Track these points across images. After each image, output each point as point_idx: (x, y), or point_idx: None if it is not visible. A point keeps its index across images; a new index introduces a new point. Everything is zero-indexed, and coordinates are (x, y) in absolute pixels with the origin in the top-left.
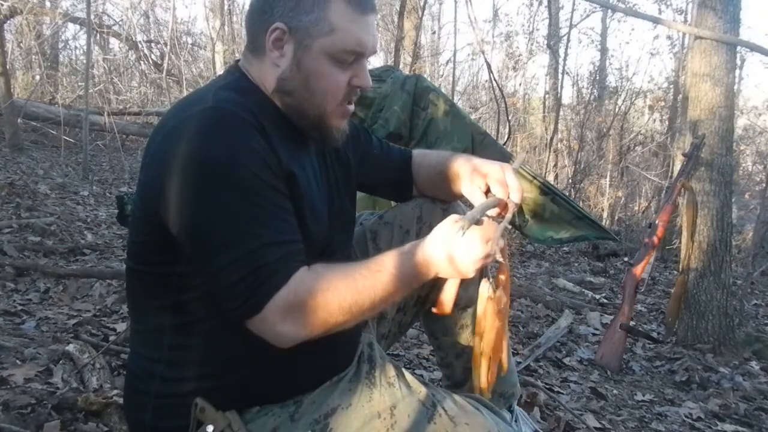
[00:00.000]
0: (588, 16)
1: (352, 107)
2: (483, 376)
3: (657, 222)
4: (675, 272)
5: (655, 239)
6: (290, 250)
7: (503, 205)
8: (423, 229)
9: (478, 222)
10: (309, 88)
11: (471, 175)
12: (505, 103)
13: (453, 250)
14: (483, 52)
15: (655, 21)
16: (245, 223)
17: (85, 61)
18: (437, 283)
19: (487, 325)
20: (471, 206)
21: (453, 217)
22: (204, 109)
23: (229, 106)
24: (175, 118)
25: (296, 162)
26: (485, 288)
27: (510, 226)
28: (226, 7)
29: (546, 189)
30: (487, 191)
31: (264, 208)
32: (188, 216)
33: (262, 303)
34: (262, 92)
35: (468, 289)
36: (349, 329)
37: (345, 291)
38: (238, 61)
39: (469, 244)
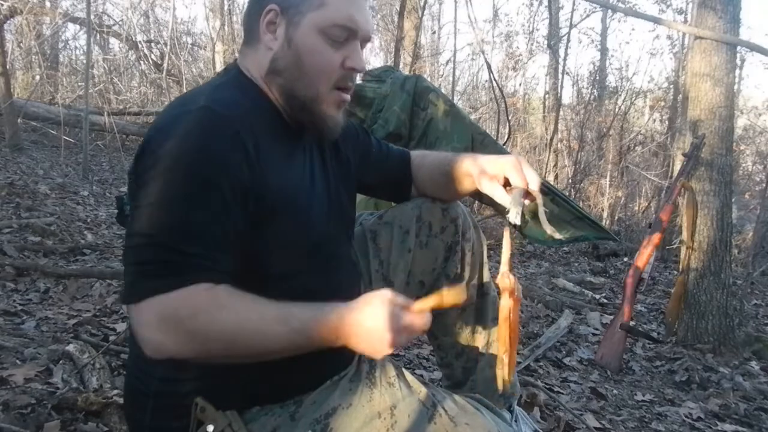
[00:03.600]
0: (588, 16)
1: (347, 97)
2: (506, 368)
3: (658, 221)
4: (675, 272)
5: (656, 239)
6: (196, 264)
7: (527, 194)
8: (422, 228)
9: (521, 210)
10: (300, 65)
11: (485, 173)
12: (505, 103)
13: (363, 332)
14: (483, 52)
15: (655, 21)
16: (177, 220)
17: (85, 61)
18: (436, 283)
19: (505, 318)
20: (470, 206)
21: (381, 295)
22: (191, 110)
23: (220, 108)
24: (165, 116)
25: (287, 163)
26: (506, 281)
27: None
28: (226, 7)
29: (546, 189)
30: (505, 185)
31: (202, 217)
32: (138, 199)
33: (141, 296)
34: (259, 88)
35: (468, 288)
36: None
37: (232, 326)
38: (236, 59)
39: (381, 329)
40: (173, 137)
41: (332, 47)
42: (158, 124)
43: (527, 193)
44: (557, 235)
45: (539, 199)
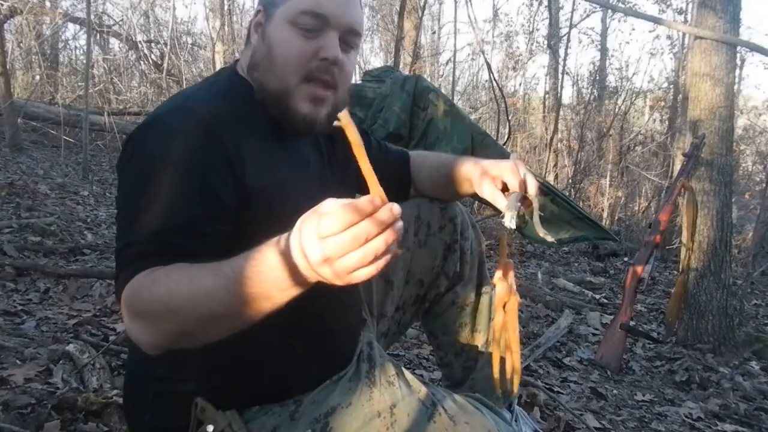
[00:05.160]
0: (588, 16)
1: (321, 92)
2: (508, 367)
3: (657, 221)
4: (675, 272)
5: (655, 239)
6: (149, 251)
7: (524, 198)
8: (421, 227)
9: (518, 213)
10: (271, 56)
11: (484, 177)
12: (505, 103)
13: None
14: (483, 52)
15: (655, 21)
16: (146, 218)
17: (85, 61)
18: (435, 282)
19: (501, 320)
20: (470, 206)
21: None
22: (169, 110)
23: (195, 106)
24: (148, 117)
25: (276, 161)
26: (501, 287)
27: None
28: (226, 7)
29: (546, 189)
30: (503, 190)
31: (166, 206)
32: (118, 198)
33: (118, 294)
34: (249, 87)
35: (467, 286)
36: (347, 327)
37: (164, 294)
38: (237, 60)
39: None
40: (147, 142)
41: (304, 37)
42: (139, 125)
43: (524, 198)
44: (549, 239)
45: (536, 204)
